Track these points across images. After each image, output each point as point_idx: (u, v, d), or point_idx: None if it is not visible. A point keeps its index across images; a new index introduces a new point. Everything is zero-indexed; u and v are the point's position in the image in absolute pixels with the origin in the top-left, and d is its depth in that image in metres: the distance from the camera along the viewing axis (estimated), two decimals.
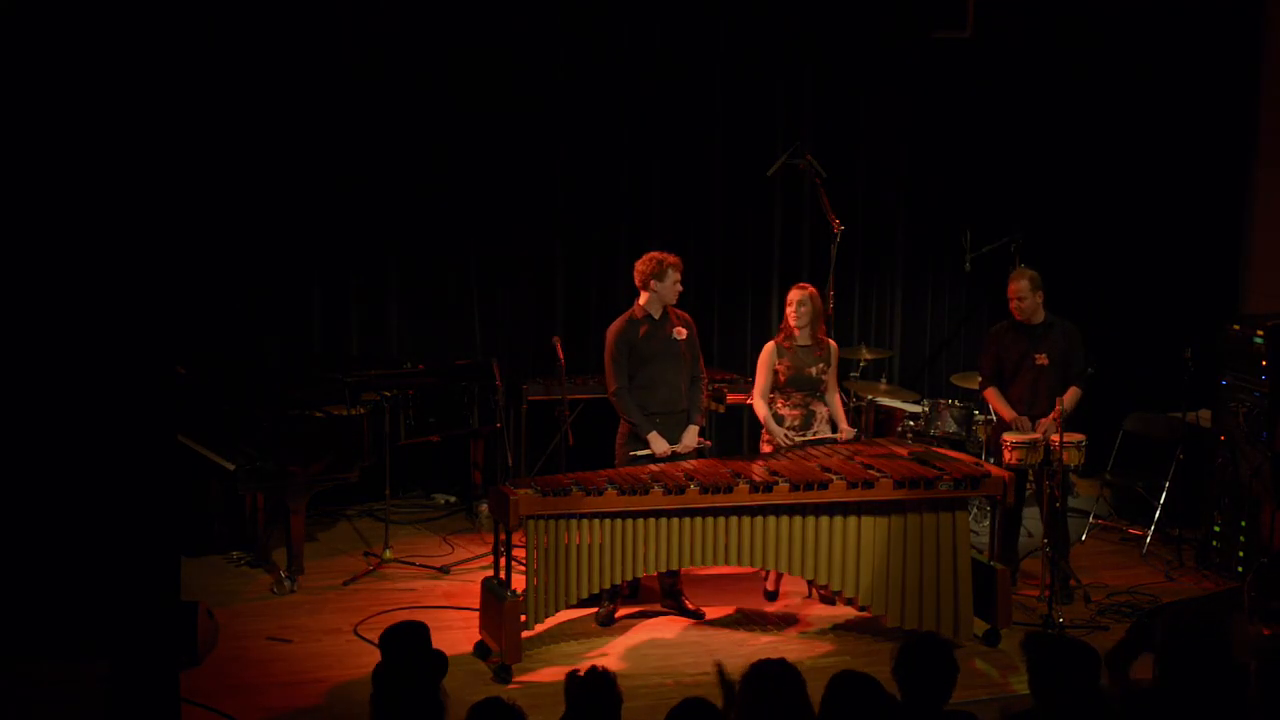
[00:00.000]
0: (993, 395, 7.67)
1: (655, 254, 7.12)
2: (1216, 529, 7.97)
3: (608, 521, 6.47)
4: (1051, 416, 7.29)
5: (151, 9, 7.35)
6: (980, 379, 7.84)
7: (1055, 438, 7.19)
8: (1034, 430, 7.45)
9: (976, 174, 9.76)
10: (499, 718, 3.96)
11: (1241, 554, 7.75)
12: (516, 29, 8.88)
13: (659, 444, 7.02)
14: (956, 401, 8.57)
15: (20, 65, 6.29)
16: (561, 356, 7.57)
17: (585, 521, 6.47)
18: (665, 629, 7.05)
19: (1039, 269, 7.65)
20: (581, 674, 4.16)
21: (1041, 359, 7.47)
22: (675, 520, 6.53)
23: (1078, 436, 7.36)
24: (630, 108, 9.17)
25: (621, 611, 7.16)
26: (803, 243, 9.59)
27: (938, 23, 9.25)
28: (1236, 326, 7.97)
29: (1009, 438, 7.40)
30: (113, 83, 7.13)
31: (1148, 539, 8.38)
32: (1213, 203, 9.73)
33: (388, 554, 7.85)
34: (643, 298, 7.13)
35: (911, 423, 8.47)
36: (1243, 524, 7.75)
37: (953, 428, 8.41)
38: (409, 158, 8.85)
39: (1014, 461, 7.31)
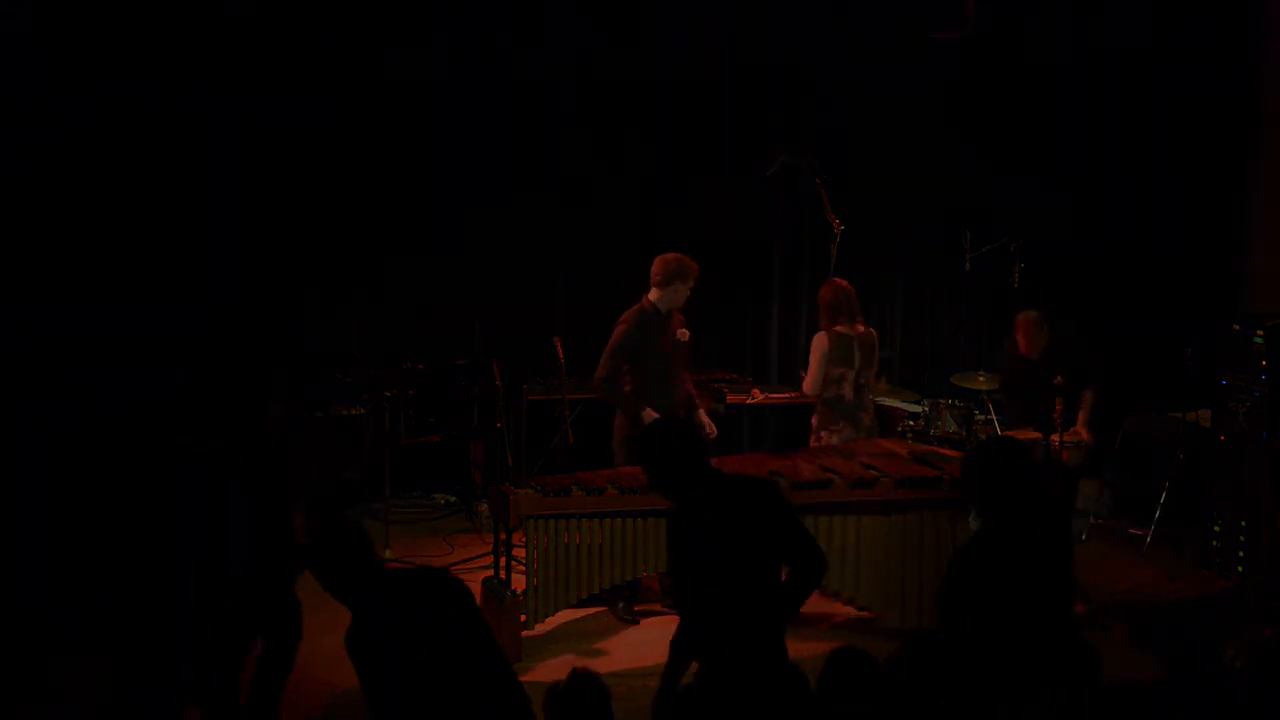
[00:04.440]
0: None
1: (682, 256, 7.11)
2: (1216, 529, 7.97)
3: (608, 521, 6.47)
4: (1081, 420, 7.63)
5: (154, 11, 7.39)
6: (1007, 411, 8.02)
7: (1055, 438, 7.20)
8: (1077, 432, 7.72)
9: (977, 174, 9.76)
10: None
11: (1241, 554, 7.74)
12: (518, 30, 8.89)
13: (647, 418, 7.02)
14: (956, 401, 8.58)
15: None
16: (561, 356, 7.57)
17: (585, 521, 6.47)
18: (665, 629, 7.02)
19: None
20: (560, 688, 4.16)
21: (1059, 380, 7.50)
22: None
23: (1073, 436, 7.40)
24: (631, 107, 9.17)
25: None
26: (803, 243, 9.59)
27: (937, 22, 9.26)
28: (1236, 326, 7.97)
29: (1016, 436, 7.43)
30: (112, 82, 7.15)
31: (1148, 539, 8.38)
32: (1214, 202, 9.72)
33: (388, 554, 7.85)
34: (655, 295, 7.12)
35: (911, 423, 8.47)
36: (1243, 524, 7.75)
37: (953, 428, 8.42)
38: (409, 156, 8.85)
39: None
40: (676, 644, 4.84)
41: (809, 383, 7.46)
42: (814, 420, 7.55)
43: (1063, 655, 4.49)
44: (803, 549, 4.74)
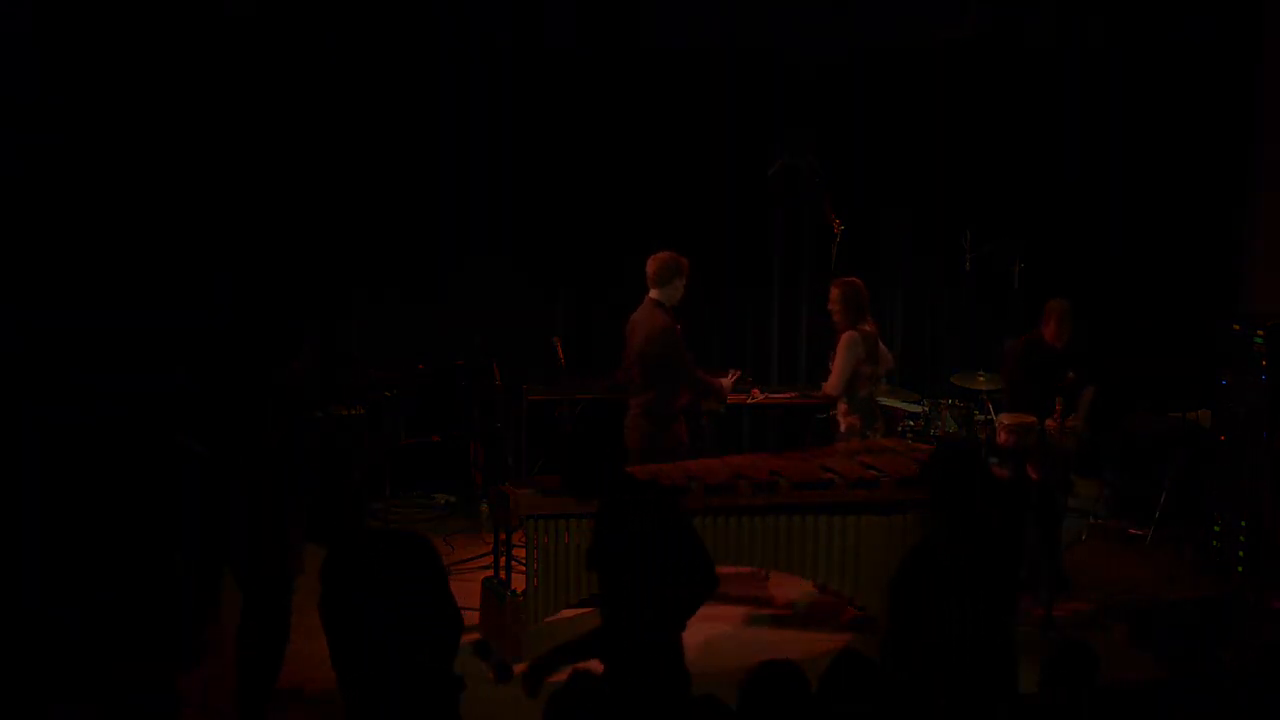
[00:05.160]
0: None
1: (674, 253, 7.15)
2: (1216, 529, 7.97)
3: None
4: (1081, 414, 7.57)
5: (154, 12, 7.38)
6: (1009, 399, 7.90)
7: (1051, 423, 7.20)
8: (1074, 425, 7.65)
9: (977, 173, 9.76)
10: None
11: (1241, 554, 7.75)
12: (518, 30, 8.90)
13: (729, 382, 7.43)
14: (957, 401, 8.57)
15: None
16: (561, 356, 7.57)
17: (585, 521, 6.46)
18: None
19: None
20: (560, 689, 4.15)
21: (1070, 375, 7.50)
22: None
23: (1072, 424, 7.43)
24: (632, 107, 9.18)
25: None
26: (803, 243, 9.60)
27: (938, 22, 9.27)
28: (1236, 326, 7.97)
29: (1005, 418, 7.43)
30: (114, 80, 7.14)
31: (1148, 539, 8.38)
32: (1214, 202, 9.73)
33: None
34: (657, 294, 7.13)
35: (911, 423, 8.47)
36: (1243, 524, 7.75)
37: (953, 428, 8.42)
38: (409, 157, 8.86)
39: (1009, 444, 7.33)
40: (597, 635, 4.73)
41: (835, 384, 7.35)
42: (852, 421, 7.39)
43: (1010, 648, 4.50)
44: (701, 562, 4.74)
